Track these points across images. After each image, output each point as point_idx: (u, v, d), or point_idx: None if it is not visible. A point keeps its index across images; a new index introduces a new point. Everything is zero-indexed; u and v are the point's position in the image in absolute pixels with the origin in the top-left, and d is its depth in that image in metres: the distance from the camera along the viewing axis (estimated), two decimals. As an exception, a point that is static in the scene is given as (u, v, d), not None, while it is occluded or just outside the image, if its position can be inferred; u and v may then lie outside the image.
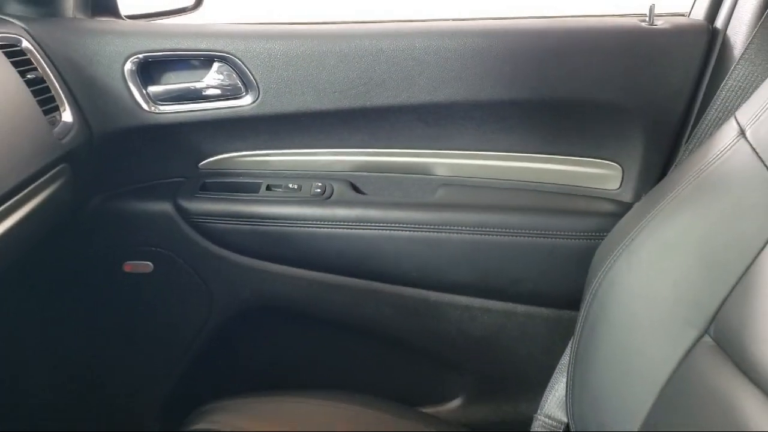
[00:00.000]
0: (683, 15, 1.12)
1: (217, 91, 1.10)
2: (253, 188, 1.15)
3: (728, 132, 0.86)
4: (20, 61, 0.92)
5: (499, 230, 1.11)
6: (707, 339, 0.79)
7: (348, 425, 0.97)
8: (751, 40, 0.97)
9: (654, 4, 1.06)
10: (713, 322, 0.78)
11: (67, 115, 0.97)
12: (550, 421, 1.11)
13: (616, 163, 1.14)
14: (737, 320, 0.75)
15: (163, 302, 1.19)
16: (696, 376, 0.78)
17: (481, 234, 1.11)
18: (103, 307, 1.20)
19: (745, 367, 0.71)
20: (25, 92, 0.88)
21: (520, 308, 1.16)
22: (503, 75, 1.07)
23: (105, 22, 1.13)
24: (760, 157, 0.80)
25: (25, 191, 0.84)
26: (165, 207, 1.14)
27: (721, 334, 0.77)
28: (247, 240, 1.14)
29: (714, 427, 0.73)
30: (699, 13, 1.09)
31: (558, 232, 1.10)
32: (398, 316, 1.18)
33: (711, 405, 0.74)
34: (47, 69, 0.97)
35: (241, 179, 1.17)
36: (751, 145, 0.82)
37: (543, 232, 1.10)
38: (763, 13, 0.96)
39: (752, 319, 0.73)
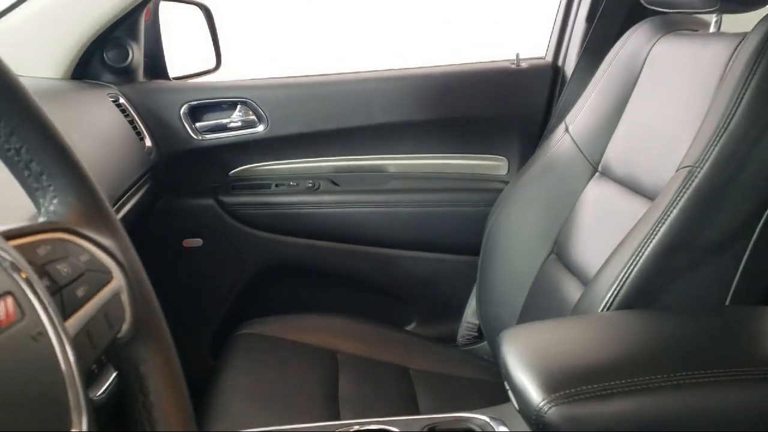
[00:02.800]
0: (542, 58, 1.68)
1: (240, 123, 1.62)
2: (266, 186, 1.66)
3: (560, 130, 1.41)
4: (120, 110, 1.46)
5: (430, 205, 1.65)
6: (552, 255, 1.33)
7: (356, 332, 1.46)
8: (574, 71, 1.54)
9: (519, 53, 1.62)
10: (555, 244, 1.32)
11: (148, 142, 1.50)
12: (468, 324, 1.63)
13: (504, 157, 1.68)
14: (567, 240, 1.29)
15: (210, 266, 1.66)
16: (547, 278, 1.31)
17: (418, 208, 1.65)
18: (169, 273, 1.63)
19: (569, 266, 1.25)
20: (129, 127, 1.43)
21: (447, 257, 1.68)
22: (424, 103, 1.61)
23: (163, 83, 1.66)
24: (575, 143, 1.35)
25: (132, 189, 1.37)
26: (209, 201, 1.62)
27: (559, 251, 1.31)
28: (264, 220, 1.65)
29: (554, 304, 1.25)
30: (550, 56, 1.66)
31: (468, 204, 1.64)
32: (368, 267, 1.69)
33: (554, 293, 1.26)
34: (133, 113, 1.50)
35: (257, 181, 1.67)
36: (571, 136, 1.37)
37: (459, 203, 1.64)
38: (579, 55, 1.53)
39: (573, 238, 1.27)
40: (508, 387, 0.82)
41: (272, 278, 1.71)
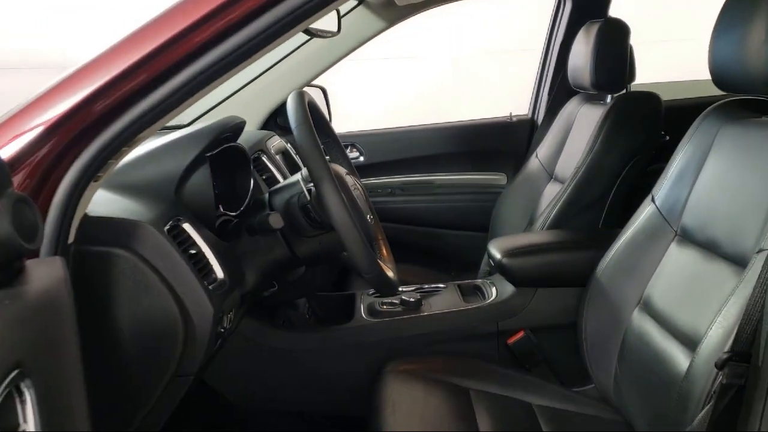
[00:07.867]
0: (525, 115, 2.83)
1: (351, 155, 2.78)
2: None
3: (534, 157, 2.53)
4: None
5: (461, 201, 2.77)
6: (529, 225, 2.45)
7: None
8: (541, 122, 2.68)
9: (511, 111, 2.77)
10: (530, 218, 2.44)
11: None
12: (484, 269, 2.74)
13: (503, 173, 2.79)
14: (535, 216, 2.40)
15: None
16: (526, 238, 2.43)
17: (454, 203, 2.77)
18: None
19: (535, 227, 2.37)
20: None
21: (471, 233, 2.75)
22: (457, 142, 2.75)
23: (302, 133, 2.83)
24: (541, 163, 2.48)
25: None
26: None
27: (531, 221, 2.41)
28: None
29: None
30: (529, 114, 2.81)
31: (481, 201, 2.73)
32: (423, 240, 2.79)
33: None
34: (291, 152, 2.67)
35: None
36: (539, 160, 2.50)
37: (477, 201, 2.75)
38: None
39: (538, 214, 2.39)
40: (491, 260, 1.94)
41: None
